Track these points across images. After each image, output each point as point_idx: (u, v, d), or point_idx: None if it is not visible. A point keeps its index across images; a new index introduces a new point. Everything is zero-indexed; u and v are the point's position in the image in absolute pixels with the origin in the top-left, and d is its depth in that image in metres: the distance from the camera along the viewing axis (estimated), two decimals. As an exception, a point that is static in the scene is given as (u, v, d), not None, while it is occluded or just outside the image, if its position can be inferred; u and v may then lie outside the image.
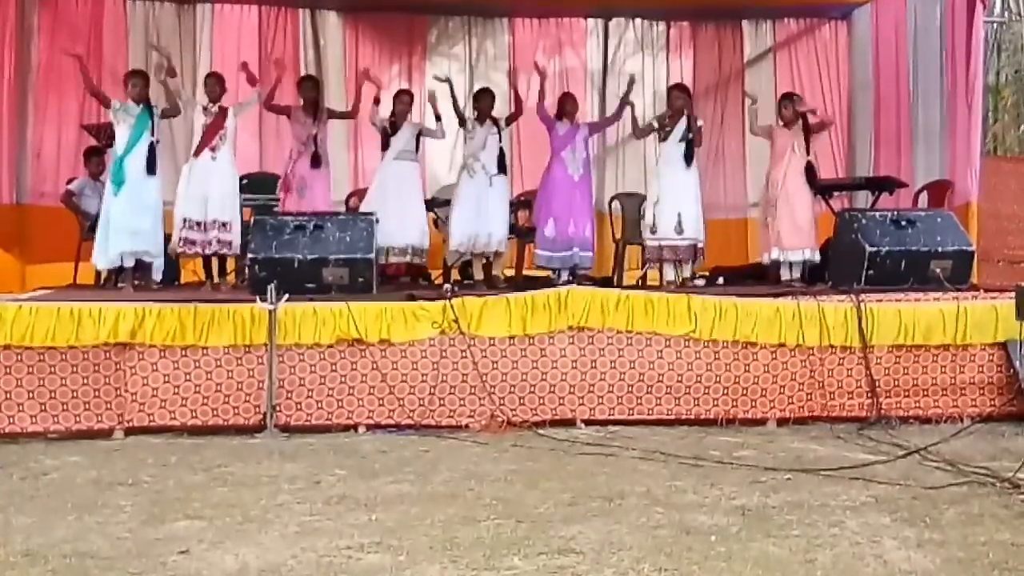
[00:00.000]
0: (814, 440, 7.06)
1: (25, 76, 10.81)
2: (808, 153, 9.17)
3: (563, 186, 9.21)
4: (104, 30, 11.32)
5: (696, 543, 4.61)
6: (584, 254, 9.14)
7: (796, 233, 9.03)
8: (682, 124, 9.11)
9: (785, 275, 9.09)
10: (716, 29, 12.49)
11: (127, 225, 8.33)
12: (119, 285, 8.47)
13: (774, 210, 9.10)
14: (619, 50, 12.49)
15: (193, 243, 8.69)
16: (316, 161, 9.24)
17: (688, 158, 9.06)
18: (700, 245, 9.07)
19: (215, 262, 9.01)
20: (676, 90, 9.47)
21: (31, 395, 7.04)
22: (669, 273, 9.08)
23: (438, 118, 9.30)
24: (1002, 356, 7.70)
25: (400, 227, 8.91)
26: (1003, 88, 18.64)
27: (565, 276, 8.95)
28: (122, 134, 8.48)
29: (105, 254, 8.38)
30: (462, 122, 9.37)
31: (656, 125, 9.25)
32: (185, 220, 8.65)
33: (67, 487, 5.74)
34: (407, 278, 9.50)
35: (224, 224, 8.68)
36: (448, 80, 9.41)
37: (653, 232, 9.03)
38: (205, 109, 8.85)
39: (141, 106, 8.51)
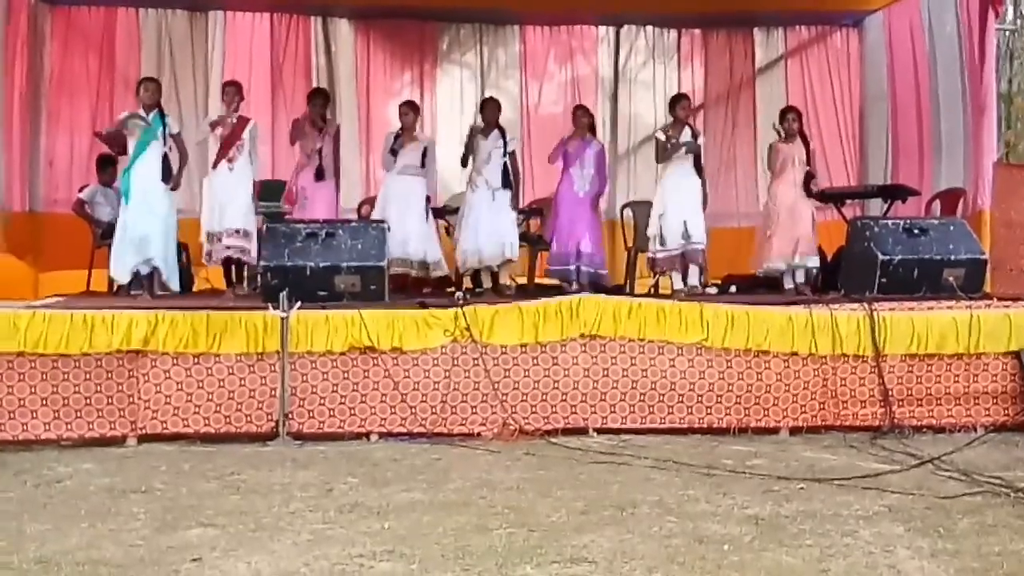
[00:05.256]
0: (827, 449, 7.03)
1: (38, 84, 10.86)
2: (808, 165, 9.22)
3: (568, 203, 9.35)
4: (117, 38, 11.40)
5: (709, 552, 4.60)
6: (585, 268, 9.19)
7: (799, 243, 9.05)
8: (686, 134, 9.12)
9: (788, 284, 9.09)
10: (727, 37, 12.52)
11: (138, 234, 8.38)
12: (132, 293, 8.49)
13: (775, 223, 9.12)
14: (630, 58, 12.54)
15: (209, 255, 8.78)
16: (320, 174, 9.25)
17: (698, 168, 9.08)
18: (704, 250, 9.04)
19: (233, 268, 9.05)
20: (681, 99, 9.47)
21: (44, 402, 7.06)
22: (678, 282, 9.08)
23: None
24: (1015, 365, 7.67)
25: (402, 241, 8.90)
26: (1015, 96, 18.57)
27: (576, 285, 8.97)
28: (132, 144, 8.51)
29: (121, 265, 8.42)
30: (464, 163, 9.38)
31: (663, 138, 9.21)
32: (208, 234, 8.76)
33: (80, 494, 5.75)
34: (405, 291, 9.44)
35: (238, 231, 8.71)
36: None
37: (663, 244, 9.02)
38: (222, 120, 8.87)
39: (152, 114, 8.54)
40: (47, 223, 10.65)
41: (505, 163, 9.24)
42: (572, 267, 9.23)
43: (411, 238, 9.05)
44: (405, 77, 12.22)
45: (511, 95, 11.94)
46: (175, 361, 7.16)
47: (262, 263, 7.91)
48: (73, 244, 9.76)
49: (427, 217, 9.32)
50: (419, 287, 9.29)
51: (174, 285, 8.66)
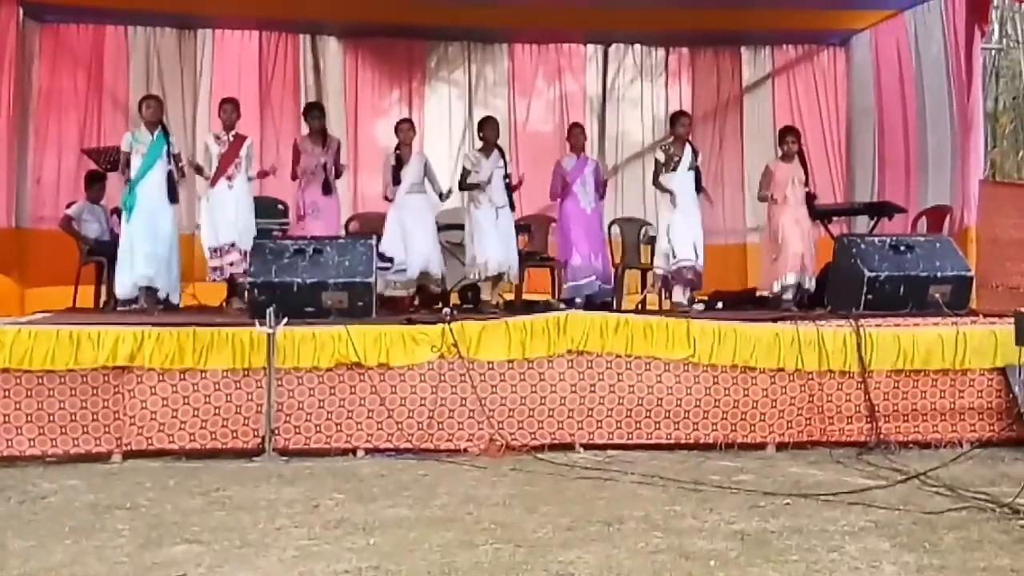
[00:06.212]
0: (813, 465, 7.05)
1: (25, 101, 10.84)
2: (807, 184, 9.27)
3: (579, 219, 9.37)
4: (105, 56, 11.39)
5: (695, 568, 4.60)
6: (605, 286, 9.27)
7: (797, 261, 9.04)
8: (688, 152, 9.17)
9: (787, 296, 9.10)
10: (715, 55, 12.57)
11: (142, 251, 8.41)
12: (133, 307, 8.52)
13: (777, 244, 9.12)
14: (618, 76, 12.57)
15: (218, 270, 8.81)
16: (327, 188, 9.27)
17: (699, 187, 9.16)
18: (702, 271, 9.13)
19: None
20: (682, 117, 9.53)
21: (29, 418, 7.03)
22: (677, 295, 9.10)
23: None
24: (1001, 381, 7.69)
25: (423, 259, 8.97)
26: (1001, 114, 18.67)
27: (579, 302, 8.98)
28: (136, 161, 8.55)
29: (124, 281, 8.47)
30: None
31: (663, 159, 9.24)
32: (212, 250, 8.81)
33: (65, 511, 5.73)
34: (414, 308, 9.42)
35: (240, 250, 8.70)
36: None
37: (676, 257, 9.02)
38: (218, 138, 8.90)
39: (155, 133, 8.58)
40: (34, 239, 10.62)
41: (507, 181, 9.24)
42: (596, 281, 9.25)
43: (432, 256, 9.10)
44: (393, 95, 12.24)
45: (499, 113, 11.87)
46: (161, 377, 7.15)
47: (250, 279, 7.91)
48: (60, 261, 9.75)
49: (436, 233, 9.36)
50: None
51: (175, 301, 8.76)
